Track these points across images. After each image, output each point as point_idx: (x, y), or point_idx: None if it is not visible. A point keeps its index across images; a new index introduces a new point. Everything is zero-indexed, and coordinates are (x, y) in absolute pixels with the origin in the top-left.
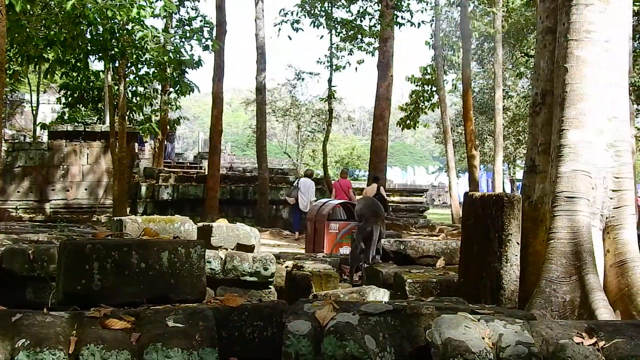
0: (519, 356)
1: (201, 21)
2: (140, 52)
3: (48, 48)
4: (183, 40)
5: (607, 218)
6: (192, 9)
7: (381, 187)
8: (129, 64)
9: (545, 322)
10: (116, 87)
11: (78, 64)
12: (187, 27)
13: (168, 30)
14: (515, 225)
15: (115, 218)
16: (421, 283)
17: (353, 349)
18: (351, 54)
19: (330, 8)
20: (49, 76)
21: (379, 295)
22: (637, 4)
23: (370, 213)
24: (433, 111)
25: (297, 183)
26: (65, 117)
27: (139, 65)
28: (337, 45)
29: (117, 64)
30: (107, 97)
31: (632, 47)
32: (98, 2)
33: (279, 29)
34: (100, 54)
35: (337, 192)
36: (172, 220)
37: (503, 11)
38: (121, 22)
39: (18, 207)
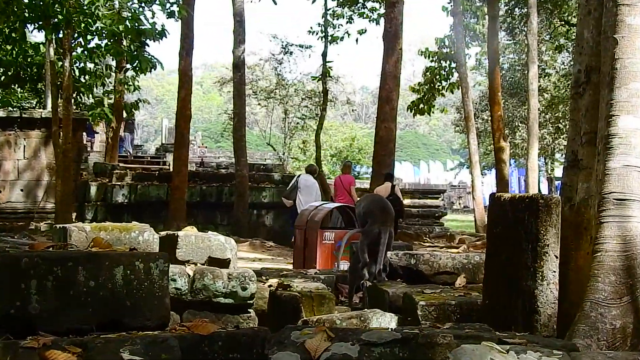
0: None
1: None
2: (89, 20)
3: None
4: (143, 5)
5: None
6: None
7: (396, 187)
8: (76, 35)
9: (590, 354)
10: (60, 64)
11: (13, 35)
12: None
13: None
14: (553, 234)
15: (58, 225)
16: (437, 306)
17: None
18: (351, 22)
19: None
20: None
21: (385, 320)
22: None
23: (378, 211)
24: (452, 93)
25: (297, 182)
26: None
27: (89, 37)
28: (333, 11)
29: (61, 35)
30: (49, 75)
31: None
32: None
33: None
34: (41, 23)
35: (338, 191)
36: (129, 228)
37: None
38: None
39: None
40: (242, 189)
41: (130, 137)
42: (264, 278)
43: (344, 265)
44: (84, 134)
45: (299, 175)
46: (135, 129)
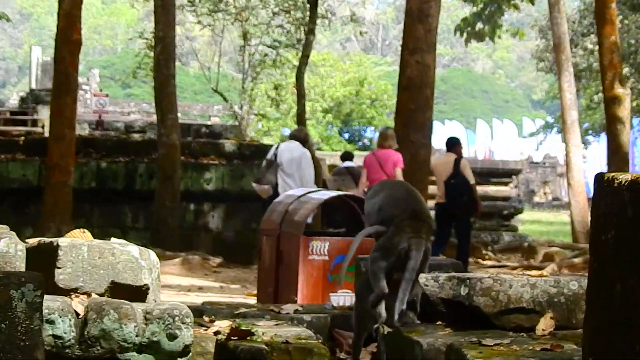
0: None
1: None
2: None
3: None
4: None
5: None
6: None
7: (464, 162)
8: None
9: None
10: None
11: None
12: None
13: None
14: None
15: None
16: None
17: None
18: None
19: None
20: None
21: None
22: None
23: (405, 212)
24: (532, 4)
25: (275, 154)
26: None
27: None
28: None
29: None
30: None
31: None
32: None
33: None
34: None
35: (372, 176)
36: None
37: None
38: None
39: None
40: (170, 168)
41: None
42: (207, 319)
43: (344, 299)
44: None
45: (278, 145)
46: None
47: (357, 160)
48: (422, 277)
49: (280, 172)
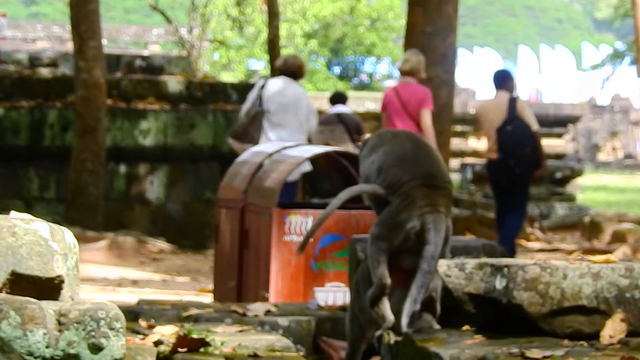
0: None
1: None
2: None
3: None
4: None
5: None
6: None
7: (521, 102)
8: None
9: None
10: None
11: None
12: None
13: None
14: None
15: None
16: None
17: None
18: None
19: None
20: None
21: None
22: None
23: (415, 175)
24: None
25: (261, 96)
26: None
27: None
28: None
29: None
30: None
31: None
32: None
33: None
34: None
35: (394, 118)
36: None
37: None
38: None
39: None
40: (93, 116)
41: None
42: (144, 324)
43: (334, 296)
44: None
45: (264, 83)
46: None
47: (352, 105)
48: (443, 265)
49: (266, 123)
